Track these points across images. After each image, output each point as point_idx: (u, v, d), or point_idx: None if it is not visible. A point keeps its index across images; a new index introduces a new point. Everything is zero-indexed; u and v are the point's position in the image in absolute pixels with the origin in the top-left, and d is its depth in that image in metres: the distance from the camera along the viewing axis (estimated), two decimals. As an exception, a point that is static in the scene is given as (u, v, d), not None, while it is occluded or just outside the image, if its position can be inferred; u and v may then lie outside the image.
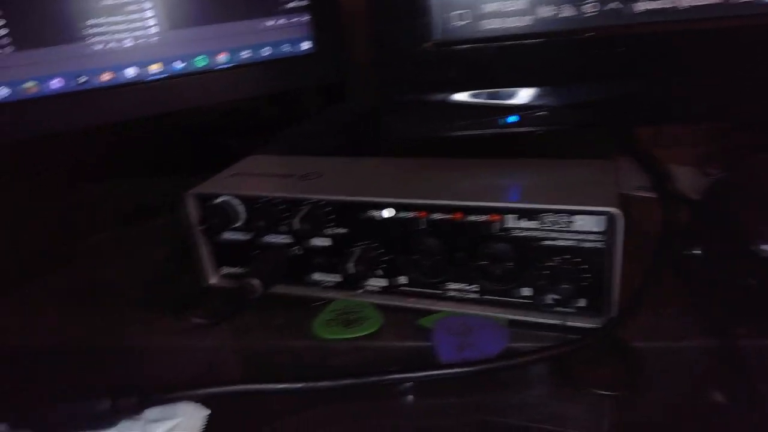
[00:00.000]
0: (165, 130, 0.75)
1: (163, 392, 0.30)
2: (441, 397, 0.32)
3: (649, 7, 0.36)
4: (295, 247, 0.40)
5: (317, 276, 0.41)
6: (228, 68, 0.53)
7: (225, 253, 0.43)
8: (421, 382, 0.32)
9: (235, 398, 0.32)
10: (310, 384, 0.31)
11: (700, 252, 0.38)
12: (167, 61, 0.51)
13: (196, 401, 0.31)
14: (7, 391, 0.35)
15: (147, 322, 0.41)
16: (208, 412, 0.31)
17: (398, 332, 0.37)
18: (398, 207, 0.37)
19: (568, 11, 0.37)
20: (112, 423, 0.29)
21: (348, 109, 0.67)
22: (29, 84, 0.48)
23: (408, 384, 0.32)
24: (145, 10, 0.50)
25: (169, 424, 0.30)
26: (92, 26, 0.49)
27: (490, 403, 0.31)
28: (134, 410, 0.30)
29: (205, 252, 0.43)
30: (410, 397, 0.32)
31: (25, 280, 0.48)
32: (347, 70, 0.58)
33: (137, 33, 0.50)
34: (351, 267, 0.38)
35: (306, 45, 0.56)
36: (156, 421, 0.30)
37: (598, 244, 0.33)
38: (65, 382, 0.35)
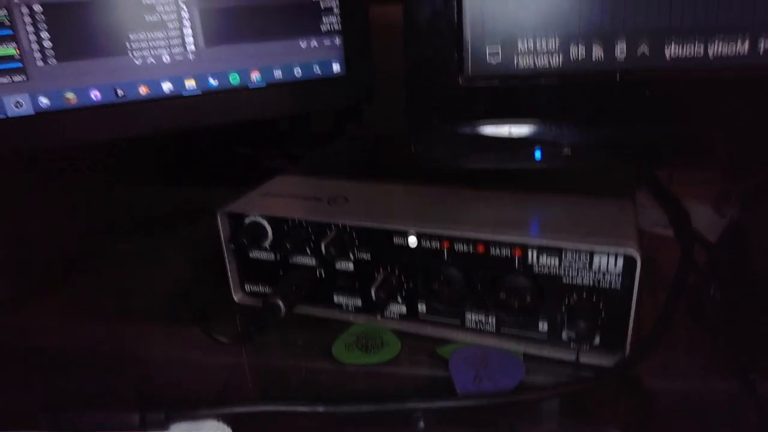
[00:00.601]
0: (187, 141, 0.77)
1: (189, 409, 0.32)
2: (455, 426, 0.33)
3: (678, 55, 0.36)
4: (320, 270, 0.42)
5: (339, 299, 0.42)
6: (260, 87, 0.55)
7: (251, 271, 0.44)
8: (436, 411, 0.33)
9: (255, 417, 0.33)
10: (331, 408, 0.32)
11: (715, 294, 0.38)
12: (202, 78, 0.53)
13: (219, 418, 0.32)
14: (38, 392, 0.36)
15: (169, 334, 0.42)
16: (230, 430, 0.32)
17: (415, 360, 0.38)
18: (421, 236, 0.38)
19: (598, 53, 0.38)
20: (139, 435, 0.31)
21: (372, 130, 0.69)
22: (69, 95, 0.50)
23: (421, 412, 0.33)
24: (185, 27, 0.52)
25: (193, 439, 0.31)
26: (132, 41, 0.50)
27: (503, 436, 0.32)
28: (161, 425, 0.31)
29: (231, 269, 0.44)
30: (423, 425, 0.33)
31: (55, 282, 0.50)
32: (374, 94, 0.59)
33: (175, 49, 0.52)
34: (372, 292, 0.39)
35: (336, 67, 0.58)
36: (181, 436, 0.31)
37: (615, 285, 0.34)
38: (91, 388, 0.36)
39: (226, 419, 0.32)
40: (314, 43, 0.57)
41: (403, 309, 0.40)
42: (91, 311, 0.46)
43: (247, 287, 0.45)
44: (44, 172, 0.75)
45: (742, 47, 0.35)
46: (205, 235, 0.45)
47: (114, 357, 0.40)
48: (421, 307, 0.40)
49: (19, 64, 0.47)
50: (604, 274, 0.34)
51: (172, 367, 0.39)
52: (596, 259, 0.34)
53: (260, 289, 0.44)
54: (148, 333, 0.43)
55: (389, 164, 0.54)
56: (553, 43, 0.38)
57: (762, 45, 0.35)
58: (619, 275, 0.34)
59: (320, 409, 0.32)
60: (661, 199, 0.50)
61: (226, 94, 0.54)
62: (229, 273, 0.44)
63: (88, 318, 0.45)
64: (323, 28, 0.57)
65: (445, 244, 0.37)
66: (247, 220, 0.42)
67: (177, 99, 0.53)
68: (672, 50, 0.37)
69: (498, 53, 0.39)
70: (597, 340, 0.36)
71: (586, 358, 0.36)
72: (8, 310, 0.46)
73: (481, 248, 0.36)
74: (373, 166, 0.54)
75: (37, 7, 0.47)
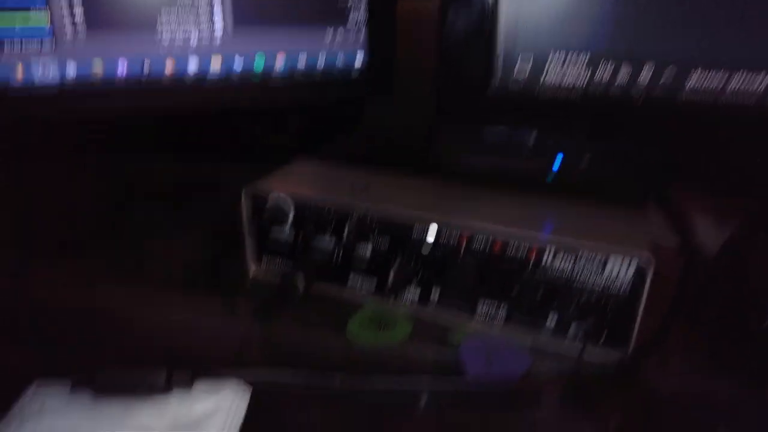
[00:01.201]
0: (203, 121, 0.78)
1: (213, 370, 0.33)
2: (462, 409, 0.34)
3: (698, 86, 0.38)
4: (338, 252, 0.43)
5: (355, 280, 0.44)
6: (283, 75, 0.55)
7: (269, 248, 0.45)
8: (447, 393, 0.35)
9: (272, 384, 0.35)
10: (347, 380, 0.33)
11: (716, 301, 0.40)
12: (228, 57, 0.54)
13: (240, 381, 0.34)
14: (68, 353, 0.37)
15: (184, 302, 0.44)
16: (251, 391, 0.33)
17: (426, 343, 0.40)
18: (441, 230, 0.39)
19: (623, 75, 0.39)
20: (165, 392, 0.32)
21: (392, 121, 0.70)
22: (96, 67, 0.50)
23: (427, 393, 0.35)
24: (215, 4, 0.52)
25: (216, 398, 0.32)
26: (163, 15, 0.51)
27: (508, 419, 0.34)
28: (186, 383, 0.32)
29: (250, 245, 0.45)
30: (431, 406, 0.35)
31: (72, 254, 0.51)
32: (392, 89, 0.60)
33: (203, 26, 0.52)
34: (390, 277, 0.40)
35: (360, 57, 0.59)
36: (204, 394, 0.33)
37: (625, 289, 0.36)
38: (119, 350, 0.37)
39: (247, 381, 0.34)
40: (340, 31, 0.58)
41: (417, 294, 0.42)
42: (108, 281, 0.47)
43: (267, 264, 0.46)
44: (60, 146, 0.75)
45: (760, 85, 0.37)
46: (221, 210, 0.46)
47: (133, 322, 0.41)
48: (434, 295, 0.42)
49: (50, 34, 0.47)
50: (615, 279, 0.36)
51: (189, 333, 0.40)
52: (610, 264, 0.36)
53: (279, 266, 0.46)
54: (164, 301, 0.44)
55: (409, 155, 0.56)
56: (582, 61, 0.40)
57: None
58: (629, 280, 0.36)
59: (336, 381, 0.33)
60: (666, 212, 0.52)
61: (248, 79, 0.55)
62: (247, 249, 0.45)
63: (105, 287, 0.46)
64: (350, 18, 0.58)
65: (463, 239, 0.39)
66: (271, 200, 0.43)
67: (201, 81, 0.53)
68: (693, 80, 0.39)
69: (527, 67, 0.41)
70: (602, 339, 0.38)
71: (590, 355, 0.38)
72: (27, 281, 0.47)
73: (497, 246, 0.38)
74: (393, 157, 0.56)
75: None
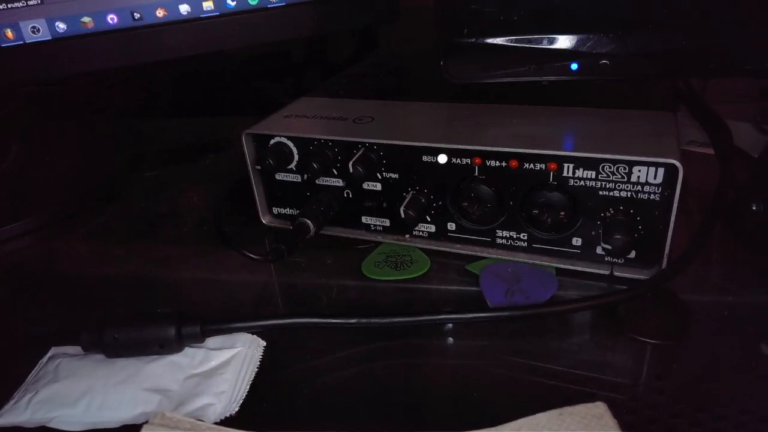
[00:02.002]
0: (207, 73, 0.76)
1: (224, 322, 0.32)
2: (485, 341, 0.33)
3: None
4: (347, 190, 0.41)
5: (367, 219, 0.42)
6: (279, 6, 0.52)
7: (278, 194, 0.44)
8: (467, 324, 0.33)
9: (288, 332, 0.34)
10: (364, 321, 0.32)
11: (758, 209, 0.37)
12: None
13: (254, 333, 0.33)
14: (79, 316, 0.37)
15: (200, 256, 0.43)
16: (265, 343, 0.32)
17: (445, 276, 0.38)
18: (452, 152, 0.37)
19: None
20: (177, 349, 0.31)
21: (393, 53, 0.67)
22: (86, 19, 0.49)
23: (450, 325, 0.33)
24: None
25: (229, 353, 0.31)
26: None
27: (532, 348, 0.32)
28: (197, 338, 0.31)
29: (258, 192, 0.44)
30: (453, 339, 0.33)
31: (84, 212, 0.50)
32: (399, 12, 0.57)
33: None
34: (401, 211, 0.38)
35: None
36: (217, 349, 0.32)
37: (654, 196, 0.33)
38: (130, 310, 0.37)
39: (261, 335, 0.33)
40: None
41: (432, 228, 0.40)
42: (122, 237, 0.46)
43: (275, 210, 0.45)
44: (71, 106, 0.75)
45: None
46: (232, 164, 0.44)
47: (147, 279, 0.41)
48: (451, 226, 0.39)
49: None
50: (643, 186, 0.33)
51: (205, 287, 0.40)
52: (635, 170, 0.33)
53: (288, 211, 0.44)
54: (179, 256, 0.43)
55: (416, 84, 0.53)
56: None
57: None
58: (659, 186, 0.33)
59: (353, 321, 0.32)
60: (699, 115, 0.48)
61: (244, 15, 0.52)
62: (256, 196, 0.44)
63: (119, 243, 0.46)
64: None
65: (477, 160, 0.36)
66: (272, 141, 0.41)
67: (195, 21, 0.51)
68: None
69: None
70: (633, 254, 0.35)
71: (621, 272, 0.36)
72: (40, 239, 0.47)
73: (514, 163, 0.35)
74: (398, 86, 0.53)
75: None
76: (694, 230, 0.35)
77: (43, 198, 0.51)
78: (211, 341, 0.32)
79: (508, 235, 0.38)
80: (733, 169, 0.40)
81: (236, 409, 0.28)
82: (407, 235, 0.41)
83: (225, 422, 0.28)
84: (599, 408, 0.25)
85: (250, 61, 0.80)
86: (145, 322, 0.31)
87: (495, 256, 0.38)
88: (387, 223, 0.41)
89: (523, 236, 0.38)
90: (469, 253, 0.39)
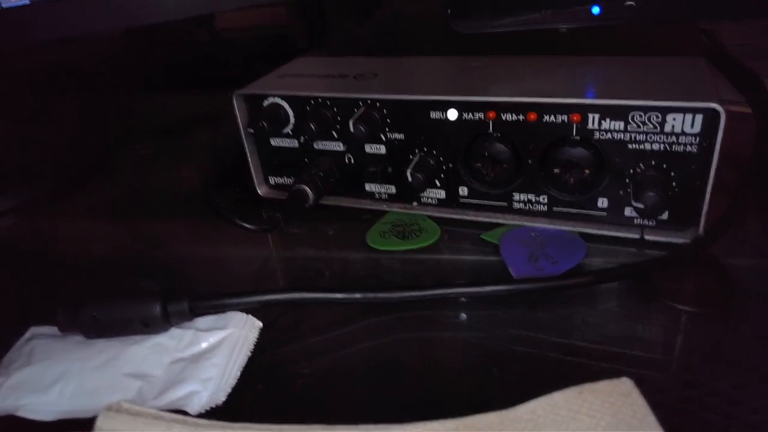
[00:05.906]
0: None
1: (215, 298, 0.29)
2: (507, 313, 0.29)
3: None
4: (348, 155, 0.38)
5: (371, 186, 0.38)
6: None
7: (274, 162, 0.40)
8: (487, 298, 0.30)
9: (287, 307, 0.30)
10: (369, 295, 0.29)
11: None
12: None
13: (248, 309, 0.29)
14: (64, 295, 0.34)
15: (194, 231, 0.40)
16: (261, 324, 0.29)
17: (458, 246, 0.35)
18: (463, 107, 0.33)
19: None
20: (163, 328, 0.28)
21: (395, 13, 0.63)
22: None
23: (464, 298, 0.30)
24: None
25: (220, 334, 0.28)
26: None
27: (563, 318, 0.28)
28: (185, 315, 0.28)
29: (253, 159, 0.40)
30: (469, 313, 0.30)
31: (75, 187, 0.48)
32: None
33: None
34: (408, 175, 0.35)
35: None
36: (208, 330, 0.28)
37: (691, 148, 0.29)
38: (117, 289, 0.34)
39: (257, 315, 0.29)
40: None
41: (442, 193, 0.36)
42: (113, 212, 0.44)
43: (272, 180, 0.41)
44: (62, 79, 0.72)
45: None
46: (227, 138, 0.41)
47: (137, 256, 0.38)
48: (462, 190, 0.36)
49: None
50: (678, 136, 0.29)
51: (198, 263, 0.37)
52: (670, 119, 0.29)
53: (286, 181, 0.41)
54: (172, 231, 0.41)
55: (421, 40, 0.49)
56: None
57: None
58: (696, 136, 0.29)
59: (357, 296, 0.29)
60: (729, 69, 0.44)
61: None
62: (250, 164, 0.40)
63: (110, 219, 0.43)
64: None
65: (490, 114, 0.33)
66: (266, 102, 0.38)
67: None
68: None
69: None
70: (665, 215, 0.32)
71: (652, 236, 0.32)
72: (28, 214, 0.44)
73: (532, 116, 0.32)
74: (403, 42, 0.49)
75: None
76: (728, 193, 0.31)
77: (31, 175, 0.49)
78: (202, 321, 0.29)
79: (526, 199, 0.35)
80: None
81: (223, 399, 0.25)
82: (415, 203, 0.38)
83: (210, 413, 0.25)
84: (625, 384, 0.22)
85: (248, 46, 0.77)
86: (126, 298, 0.28)
87: (512, 222, 0.35)
88: (392, 190, 0.38)
89: (543, 199, 0.34)
90: (483, 219, 0.36)
